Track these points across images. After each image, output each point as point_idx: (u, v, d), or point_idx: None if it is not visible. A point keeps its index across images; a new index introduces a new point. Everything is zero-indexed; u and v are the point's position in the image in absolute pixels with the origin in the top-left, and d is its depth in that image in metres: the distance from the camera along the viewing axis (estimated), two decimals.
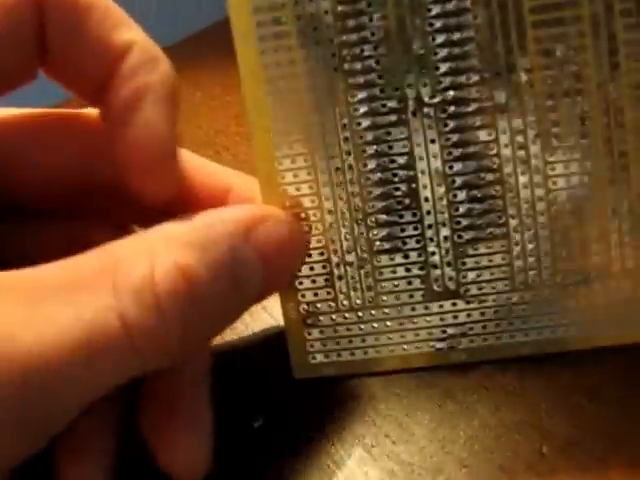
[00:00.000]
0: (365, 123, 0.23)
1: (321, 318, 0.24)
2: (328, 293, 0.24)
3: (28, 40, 0.21)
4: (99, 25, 0.21)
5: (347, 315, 0.24)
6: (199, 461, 0.21)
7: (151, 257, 0.18)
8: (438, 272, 0.24)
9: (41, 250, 0.20)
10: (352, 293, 0.24)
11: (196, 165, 0.24)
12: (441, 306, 0.24)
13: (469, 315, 0.24)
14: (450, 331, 0.24)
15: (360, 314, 0.24)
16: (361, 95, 0.23)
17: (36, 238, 0.23)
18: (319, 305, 0.24)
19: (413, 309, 0.24)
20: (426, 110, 0.23)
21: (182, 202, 0.24)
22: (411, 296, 0.24)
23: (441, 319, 0.24)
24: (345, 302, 0.24)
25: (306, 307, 0.24)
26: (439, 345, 0.24)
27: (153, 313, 0.18)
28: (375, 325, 0.24)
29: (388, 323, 0.24)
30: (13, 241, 0.23)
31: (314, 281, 0.24)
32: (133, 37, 0.21)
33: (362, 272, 0.24)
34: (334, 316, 0.24)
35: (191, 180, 0.24)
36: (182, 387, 0.22)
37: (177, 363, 0.21)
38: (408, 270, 0.24)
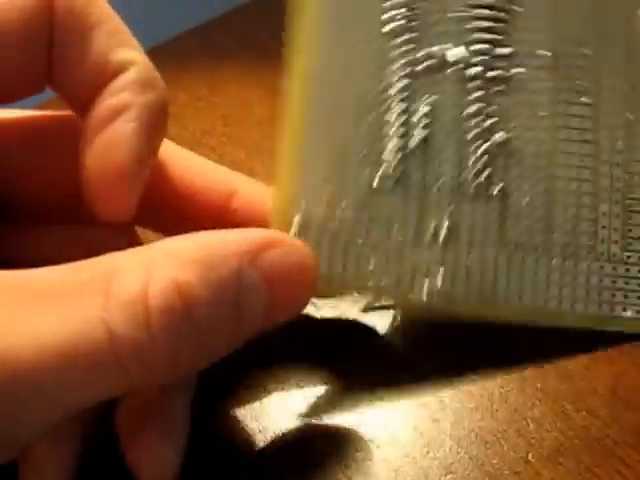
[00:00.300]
0: (401, 84, 0.23)
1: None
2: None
3: (40, 52, 0.21)
4: (103, 42, 0.21)
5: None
6: (167, 468, 0.20)
7: (148, 271, 0.18)
8: None
9: (39, 254, 0.19)
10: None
11: (200, 168, 0.24)
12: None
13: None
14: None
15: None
16: (397, 53, 0.23)
17: (34, 242, 0.23)
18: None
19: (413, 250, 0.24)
20: (453, 70, 0.24)
21: (185, 206, 0.23)
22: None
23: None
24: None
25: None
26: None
27: (143, 329, 0.17)
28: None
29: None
30: (11, 244, 0.23)
31: None
32: (133, 58, 0.21)
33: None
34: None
35: (194, 183, 0.23)
36: (163, 392, 0.21)
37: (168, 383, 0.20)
38: None
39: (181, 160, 0.24)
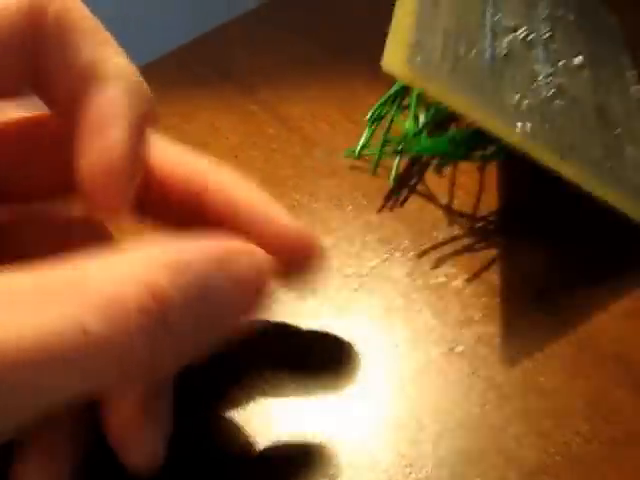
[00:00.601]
0: None
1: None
2: None
3: (27, 57, 0.21)
4: (93, 50, 0.21)
5: None
6: (152, 449, 0.21)
7: (122, 274, 0.18)
8: None
9: (20, 233, 0.19)
10: None
11: (180, 158, 0.24)
12: None
13: None
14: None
15: None
16: None
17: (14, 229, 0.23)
18: None
19: None
20: None
21: (165, 195, 0.24)
22: None
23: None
24: None
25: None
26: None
27: (120, 330, 0.17)
28: None
29: None
30: None
31: None
32: (123, 66, 0.22)
33: None
34: None
35: (174, 173, 0.24)
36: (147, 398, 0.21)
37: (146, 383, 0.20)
38: None
39: (164, 150, 0.24)
